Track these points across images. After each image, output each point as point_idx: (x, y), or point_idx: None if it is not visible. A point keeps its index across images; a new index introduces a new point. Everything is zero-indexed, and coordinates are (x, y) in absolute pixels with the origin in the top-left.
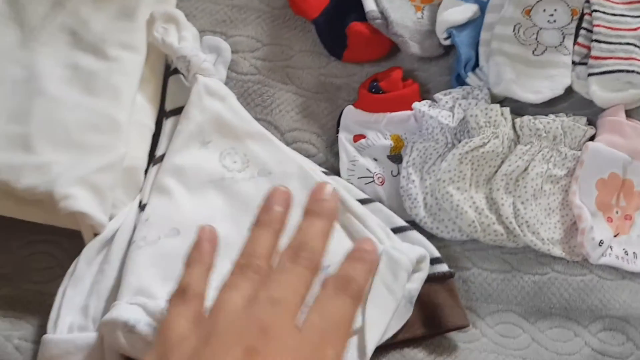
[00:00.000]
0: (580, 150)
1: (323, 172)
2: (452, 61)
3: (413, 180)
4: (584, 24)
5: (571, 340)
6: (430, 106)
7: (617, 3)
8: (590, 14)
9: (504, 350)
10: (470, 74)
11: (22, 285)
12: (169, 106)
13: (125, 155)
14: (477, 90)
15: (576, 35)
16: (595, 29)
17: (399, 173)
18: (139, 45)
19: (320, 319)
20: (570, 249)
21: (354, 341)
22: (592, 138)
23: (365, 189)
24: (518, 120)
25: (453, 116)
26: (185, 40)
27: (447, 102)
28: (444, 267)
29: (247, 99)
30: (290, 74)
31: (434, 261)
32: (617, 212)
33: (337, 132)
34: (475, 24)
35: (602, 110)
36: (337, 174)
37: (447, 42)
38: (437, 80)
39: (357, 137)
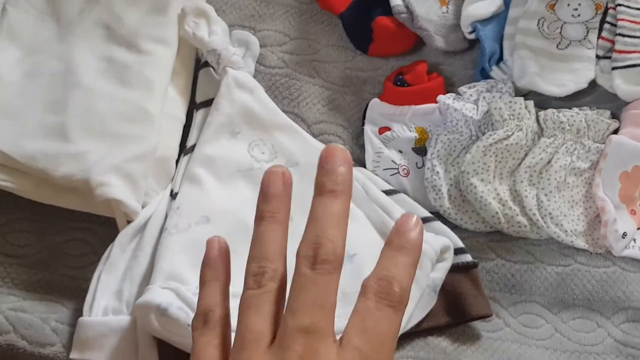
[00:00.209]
0: (603, 143)
1: None
2: (476, 55)
3: (437, 172)
4: (608, 18)
5: (594, 331)
6: (454, 99)
7: None
8: (614, 8)
9: (527, 340)
10: (494, 67)
11: (59, 270)
12: (199, 98)
13: (157, 145)
14: (501, 84)
15: (600, 29)
16: (620, 22)
17: (423, 165)
18: (170, 39)
19: (362, 342)
20: (593, 241)
21: None
22: (615, 131)
23: (390, 180)
24: (542, 113)
25: (477, 109)
26: (215, 34)
27: (471, 95)
28: (467, 257)
29: (274, 91)
30: (317, 68)
31: (457, 251)
32: None
33: (363, 124)
34: (499, 18)
35: (626, 103)
36: (363, 165)
37: (472, 36)
38: (461, 73)
39: (383, 130)
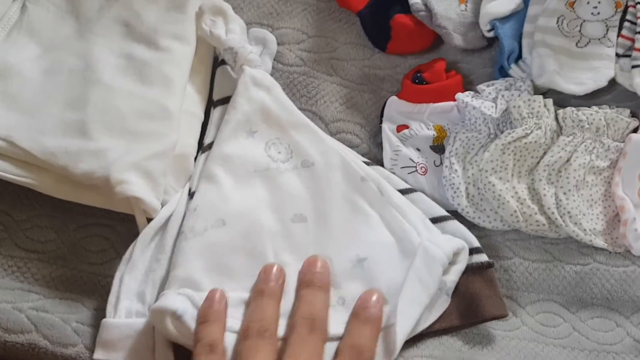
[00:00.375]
0: (623, 142)
1: (365, 162)
2: (495, 53)
3: (456, 170)
4: (628, 16)
5: (612, 331)
6: (473, 97)
7: None
8: (634, 6)
9: (544, 339)
10: (513, 65)
11: (78, 266)
12: (216, 96)
13: (176, 142)
14: (520, 82)
15: (620, 27)
16: None
17: (441, 163)
18: (189, 36)
19: None
20: (612, 240)
21: (380, 335)
22: (635, 130)
23: (408, 178)
24: (561, 111)
25: (496, 107)
26: (232, 32)
27: (490, 93)
28: (482, 257)
29: (292, 89)
30: (334, 66)
31: (473, 251)
32: None
33: (381, 122)
34: (518, 16)
35: None
36: (380, 164)
37: (491, 34)
38: (480, 71)
39: (401, 128)
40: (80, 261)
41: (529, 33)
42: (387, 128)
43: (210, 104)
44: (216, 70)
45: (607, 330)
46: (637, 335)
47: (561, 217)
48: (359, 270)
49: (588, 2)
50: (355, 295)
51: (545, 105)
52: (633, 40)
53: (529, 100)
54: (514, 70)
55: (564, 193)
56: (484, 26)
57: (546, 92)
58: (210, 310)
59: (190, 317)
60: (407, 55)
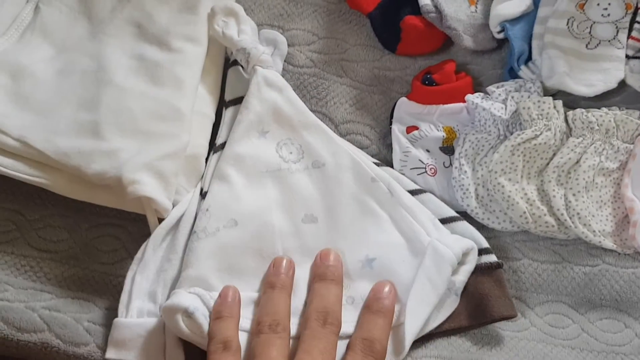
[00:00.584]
0: (632, 143)
1: (375, 163)
2: (505, 54)
3: (465, 171)
4: (638, 18)
5: (621, 332)
6: (483, 98)
7: None
8: None
9: (553, 340)
10: (523, 67)
11: (90, 266)
12: (228, 96)
13: (188, 143)
14: (529, 83)
15: (630, 29)
16: None
17: (450, 164)
18: (201, 37)
19: None
20: (621, 242)
21: (389, 334)
22: None
23: (418, 179)
24: (570, 113)
25: (506, 108)
26: (244, 33)
27: (499, 94)
28: (491, 258)
29: (302, 91)
30: (345, 67)
31: (482, 252)
32: None
33: (391, 123)
34: (528, 17)
35: None
36: (390, 165)
37: (501, 36)
38: (489, 73)
39: (410, 129)
40: (92, 261)
41: (539, 35)
42: (397, 129)
43: (222, 105)
44: (227, 71)
45: (616, 332)
46: None
47: (570, 218)
48: (368, 270)
49: (598, 4)
50: (365, 294)
51: (555, 107)
52: None
53: (539, 101)
54: (523, 71)
55: (574, 194)
56: (494, 28)
57: (556, 94)
58: (224, 307)
59: (201, 314)
60: (417, 57)
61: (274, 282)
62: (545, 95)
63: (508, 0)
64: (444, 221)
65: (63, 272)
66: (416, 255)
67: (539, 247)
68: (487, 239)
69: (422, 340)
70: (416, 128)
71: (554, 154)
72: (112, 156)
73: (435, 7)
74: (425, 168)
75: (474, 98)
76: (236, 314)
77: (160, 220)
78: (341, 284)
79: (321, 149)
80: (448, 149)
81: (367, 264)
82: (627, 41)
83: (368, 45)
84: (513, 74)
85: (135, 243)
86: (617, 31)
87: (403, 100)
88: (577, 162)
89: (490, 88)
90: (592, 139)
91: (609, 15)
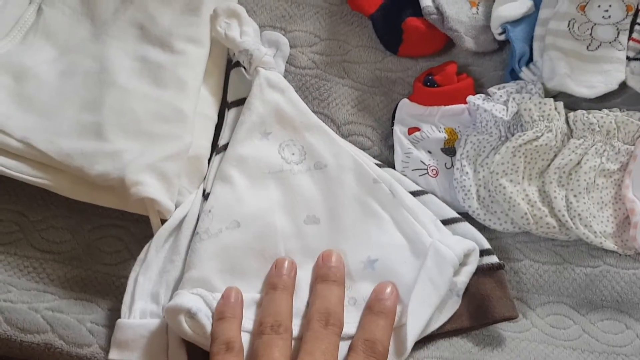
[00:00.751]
0: (633, 144)
1: (377, 164)
2: (506, 56)
3: (467, 173)
4: (639, 20)
5: (622, 333)
6: (484, 100)
7: None
8: None
9: (554, 340)
10: (524, 68)
11: (92, 267)
12: (230, 97)
13: (190, 144)
14: (531, 85)
15: (631, 31)
16: None
17: (452, 165)
18: (203, 39)
19: None
20: (622, 243)
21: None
22: None
23: (419, 180)
24: (571, 114)
25: (507, 110)
26: (247, 34)
27: (501, 96)
28: (493, 259)
29: (304, 92)
30: (346, 68)
31: (483, 253)
32: None
33: (392, 125)
34: (529, 19)
35: None
36: (392, 166)
37: (502, 37)
38: (491, 74)
39: (412, 130)
40: (94, 262)
41: (540, 36)
42: (399, 130)
43: (224, 106)
44: (229, 72)
45: (617, 333)
46: None
47: (571, 219)
48: (370, 272)
49: (599, 6)
50: (367, 295)
51: (556, 108)
52: None
53: (540, 103)
54: (525, 73)
55: (575, 195)
56: (495, 29)
57: (557, 95)
58: (227, 308)
59: (204, 315)
60: (418, 58)
61: (275, 283)
62: (546, 96)
63: (509, 2)
64: (446, 222)
65: (66, 273)
66: (418, 256)
67: (540, 248)
68: (489, 240)
69: (423, 341)
70: (418, 129)
71: (555, 155)
72: (115, 157)
73: (437, 8)
74: (426, 169)
75: (475, 99)
76: (239, 314)
77: (163, 221)
78: (343, 285)
79: (323, 150)
80: (449, 150)
81: (369, 265)
82: (627, 43)
83: (370, 47)
84: (514, 76)
85: (137, 244)
86: (618, 33)
87: (405, 101)
88: (578, 163)
89: (492, 89)
90: (593, 140)
91: (609, 17)
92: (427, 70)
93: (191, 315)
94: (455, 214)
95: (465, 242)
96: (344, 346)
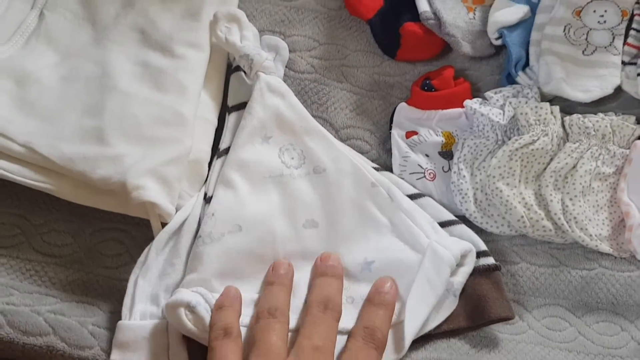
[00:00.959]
0: (628, 148)
1: (375, 168)
2: (502, 60)
3: (464, 176)
4: (634, 25)
5: (617, 335)
6: (481, 104)
7: None
8: None
9: (550, 342)
10: (520, 73)
11: (94, 270)
12: (231, 102)
13: (191, 148)
14: (527, 89)
15: (626, 36)
16: None
17: (449, 169)
18: (203, 43)
19: None
20: (618, 246)
21: (390, 333)
22: None
23: (417, 184)
24: (567, 118)
25: (503, 114)
26: (247, 39)
27: (497, 100)
28: (490, 260)
29: (303, 96)
30: (345, 73)
31: (480, 254)
32: None
33: (390, 128)
34: (525, 24)
35: None
36: (390, 169)
37: (498, 42)
38: (487, 79)
39: (410, 134)
40: (96, 265)
41: (536, 41)
42: (397, 134)
43: (225, 110)
44: (230, 77)
45: (612, 335)
46: None
47: (567, 222)
48: (367, 273)
49: (594, 11)
50: (364, 295)
51: (552, 112)
52: (639, 48)
53: (536, 107)
54: (521, 77)
55: (570, 199)
56: (492, 34)
57: (553, 99)
58: (225, 299)
59: (203, 308)
60: (416, 63)
61: (273, 280)
62: (542, 100)
63: (506, 8)
64: (443, 225)
65: (67, 276)
66: (415, 258)
67: (536, 251)
68: (486, 242)
69: (421, 342)
70: (415, 133)
71: (551, 159)
72: (116, 162)
73: (434, 14)
74: (424, 173)
75: (472, 103)
76: (237, 306)
77: (164, 224)
78: (341, 280)
79: (322, 154)
80: (447, 153)
81: (366, 267)
82: (623, 47)
83: (368, 51)
84: (511, 80)
85: (138, 247)
86: (613, 38)
87: (402, 105)
88: (574, 167)
89: (489, 94)
90: (589, 144)
91: (605, 22)
92: (425, 74)
93: (191, 308)
94: (452, 217)
95: (462, 243)
96: (342, 340)
